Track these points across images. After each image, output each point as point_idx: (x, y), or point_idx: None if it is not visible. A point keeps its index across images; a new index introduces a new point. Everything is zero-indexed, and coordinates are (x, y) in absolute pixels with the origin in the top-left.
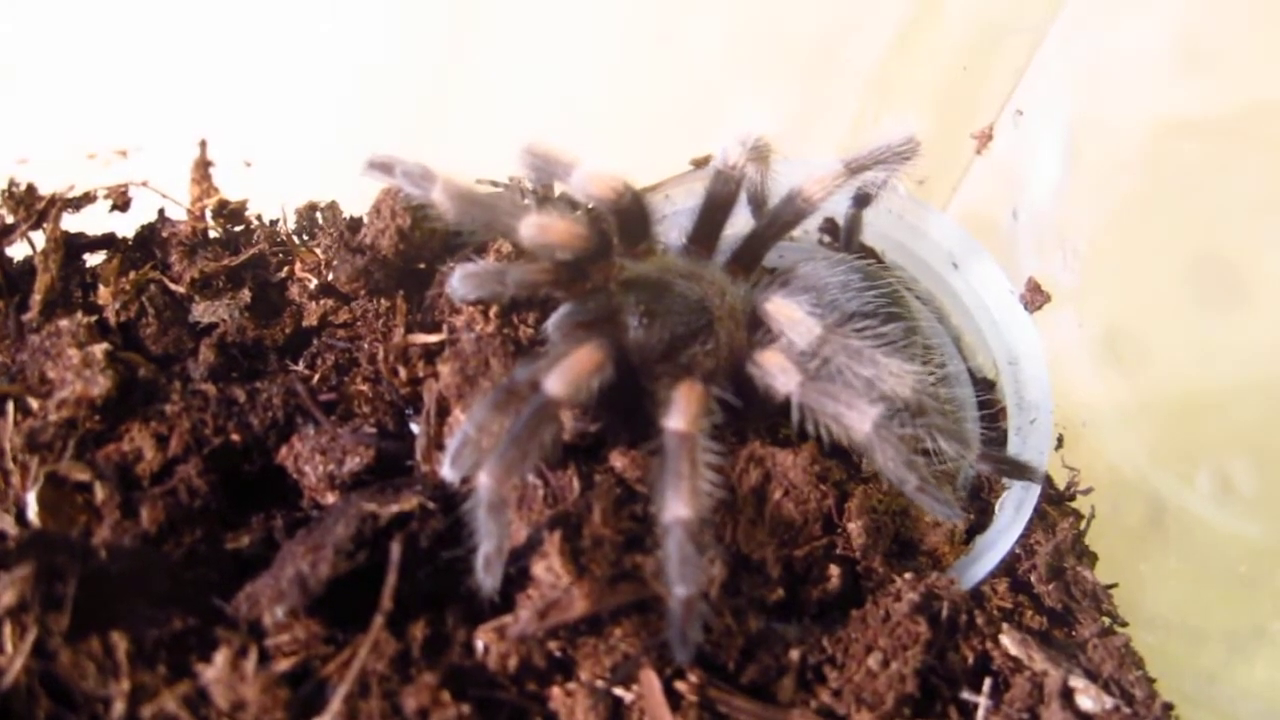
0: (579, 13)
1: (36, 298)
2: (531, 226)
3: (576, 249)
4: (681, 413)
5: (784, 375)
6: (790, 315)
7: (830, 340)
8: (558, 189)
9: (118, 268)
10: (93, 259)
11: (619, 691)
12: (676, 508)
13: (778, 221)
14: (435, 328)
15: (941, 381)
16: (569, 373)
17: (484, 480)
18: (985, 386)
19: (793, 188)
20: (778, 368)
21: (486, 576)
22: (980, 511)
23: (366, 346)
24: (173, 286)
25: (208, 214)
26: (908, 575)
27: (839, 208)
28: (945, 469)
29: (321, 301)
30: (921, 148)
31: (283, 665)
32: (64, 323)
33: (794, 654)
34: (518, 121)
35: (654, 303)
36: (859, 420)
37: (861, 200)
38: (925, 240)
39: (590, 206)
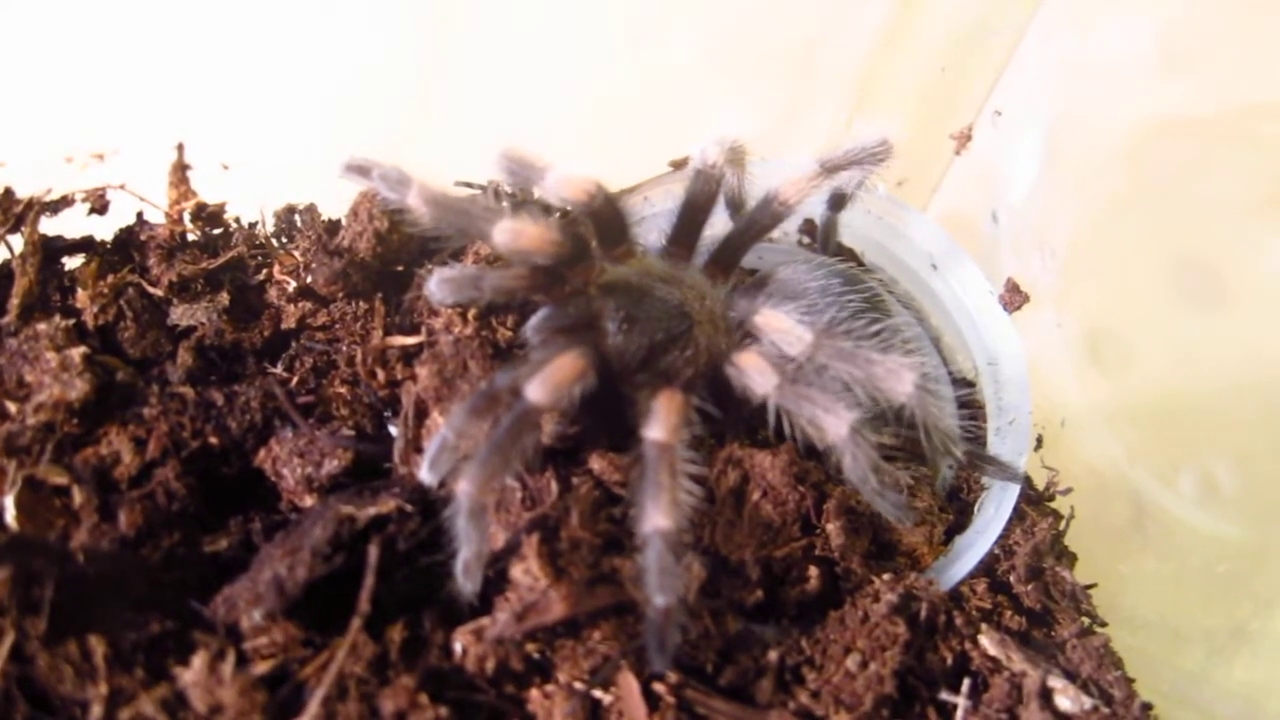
0: (559, 15)
1: (14, 301)
2: (504, 233)
3: (550, 255)
4: (661, 423)
5: (761, 377)
6: (779, 326)
7: (823, 346)
8: (535, 193)
9: (96, 271)
10: (71, 262)
11: (597, 693)
12: (656, 518)
13: (756, 225)
14: (413, 330)
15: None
16: (551, 380)
17: (465, 487)
18: (965, 387)
19: (769, 191)
20: (755, 369)
21: (466, 581)
22: (959, 512)
23: (345, 349)
24: (151, 290)
25: (186, 217)
26: (886, 576)
27: (817, 209)
28: (924, 471)
29: (300, 304)
30: (895, 149)
31: (260, 668)
32: (42, 326)
33: (772, 655)
34: (498, 123)
35: (633, 308)
36: (835, 424)
37: (836, 202)
38: (904, 241)
39: (566, 210)
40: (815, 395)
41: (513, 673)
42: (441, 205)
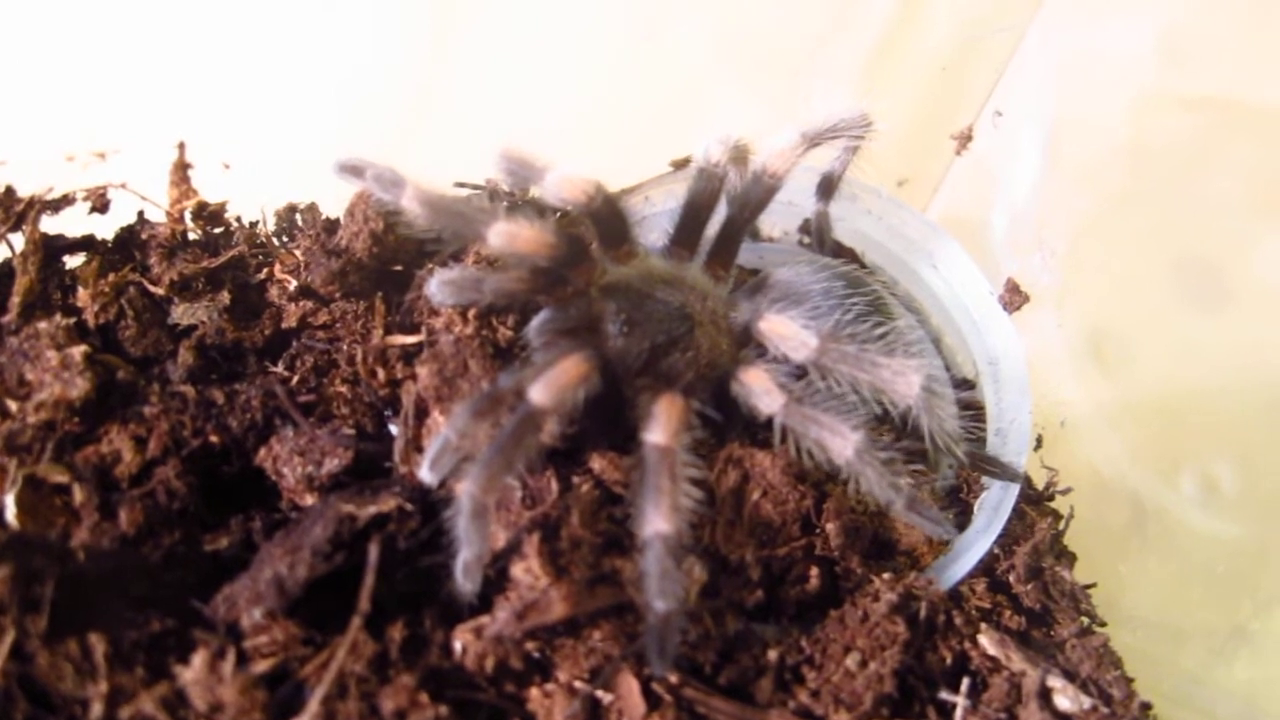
0: (561, 15)
1: (15, 300)
2: (499, 235)
3: (546, 257)
4: (662, 427)
5: (768, 396)
6: (783, 331)
7: (828, 350)
8: (534, 192)
9: (97, 270)
10: (72, 261)
11: (597, 693)
12: (656, 522)
13: (749, 204)
14: (413, 329)
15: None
16: (555, 382)
17: (468, 488)
18: (965, 388)
19: (756, 167)
20: (761, 389)
21: (466, 582)
22: (959, 512)
23: (345, 348)
24: (152, 288)
25: (187, 216)
26: (886, 575)
27: (807, 203)
28: (924, 472)
29: (300, 303)
30: (875, 125)
31: (261, 667)
32: (43, 325)
33: (772, 655)
34: (498, 122)
35: (634, 311)
36: (841, 446)
37: (825, 189)
38: (904, 241)
39: (566, 210)
40: (820, 416)
41: (513, 672)
42: (436, 207)
